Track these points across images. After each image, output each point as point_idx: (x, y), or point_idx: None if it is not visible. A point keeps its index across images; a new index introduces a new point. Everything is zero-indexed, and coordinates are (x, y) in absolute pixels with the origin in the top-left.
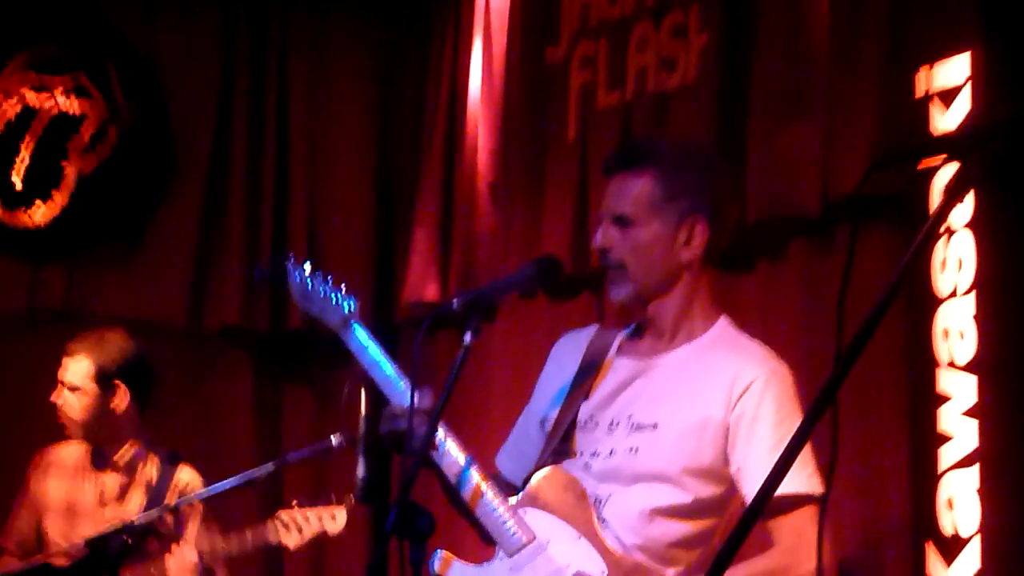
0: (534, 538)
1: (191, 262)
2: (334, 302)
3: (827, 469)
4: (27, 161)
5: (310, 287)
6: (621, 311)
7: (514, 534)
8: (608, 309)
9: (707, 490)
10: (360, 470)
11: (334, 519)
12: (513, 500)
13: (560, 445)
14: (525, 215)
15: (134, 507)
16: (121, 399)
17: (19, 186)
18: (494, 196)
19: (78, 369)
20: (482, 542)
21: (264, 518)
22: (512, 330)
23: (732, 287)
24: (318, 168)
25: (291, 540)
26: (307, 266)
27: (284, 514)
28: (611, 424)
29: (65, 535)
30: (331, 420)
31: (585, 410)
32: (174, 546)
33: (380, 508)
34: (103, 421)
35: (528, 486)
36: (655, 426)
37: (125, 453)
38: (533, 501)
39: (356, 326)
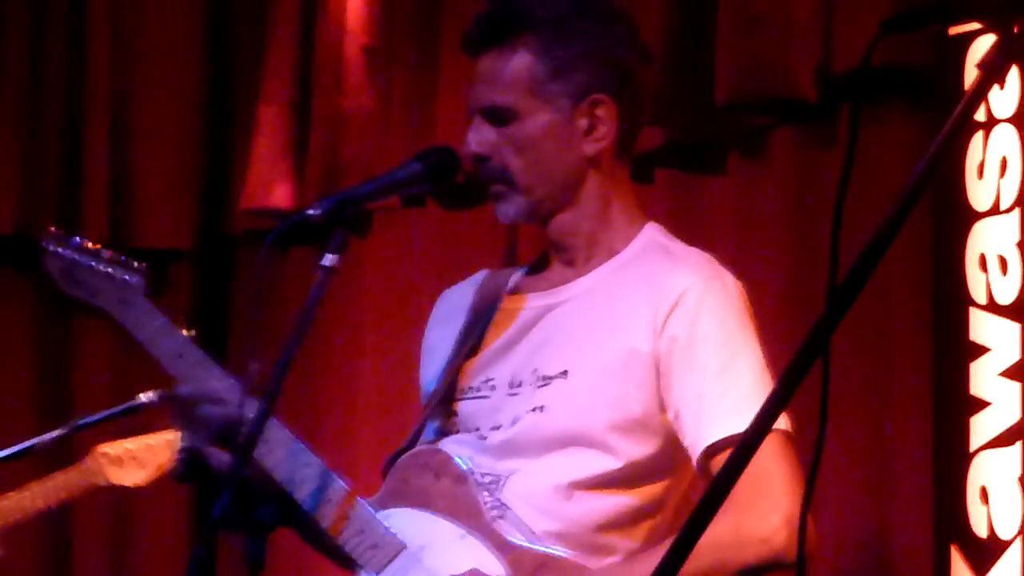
0: (403, 546)
1: None
2: (113, 279)
3: (814, 444)
4: None
5: (76, 266)
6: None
7: (375, 546)
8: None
9: (642, 449)
10: (181, 437)
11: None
12: (365, 503)
13: (444, 422)
14: (412, 90)
15: None
16: None
17: None
18: (370, 64)
19: None
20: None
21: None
22: (392, 249)
23: (696, 193)
24: (123, 22)
25: (134, 477)
26: (76, 240)
27: (108, 447)
28: (511, 383)
29: None
30: (144, 363)
31: (475, 370)
32: None
33: (206, 489)
34: None
35: (388, 479)
36: (565, 374)
37: None
38: (397, 497)
39: (144, 304)
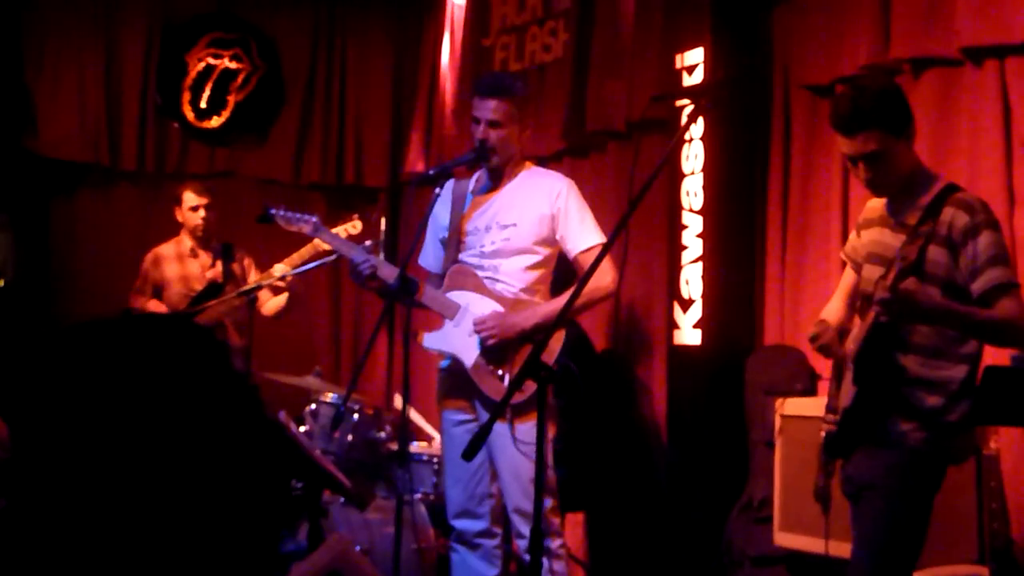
0: (459, 306)
1: (293, 145)
2: (306, 219)
3: (620, 263)
4: (208, 94)
5: (287, 217)
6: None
7: (450, 307)
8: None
9: (547, 251)
10: (381, 258)
11: (355, 226)
12: (439, 291)
13: (456, 248)
14: (467, 127)
15: (218, 273)
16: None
17: (204, 106)
18: (454, 117)
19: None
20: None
21: None
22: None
23: (577, 168)
24: (364, 98)
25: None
26: (283, 206)
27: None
28: (487, 228)
29: (186, 291)
30: (364, 234)
31: (470, 224)
32: (268, 270)
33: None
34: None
35: (445, 279)
36: (515, 224)
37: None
38: (451, 287)
39: (322, 228)
